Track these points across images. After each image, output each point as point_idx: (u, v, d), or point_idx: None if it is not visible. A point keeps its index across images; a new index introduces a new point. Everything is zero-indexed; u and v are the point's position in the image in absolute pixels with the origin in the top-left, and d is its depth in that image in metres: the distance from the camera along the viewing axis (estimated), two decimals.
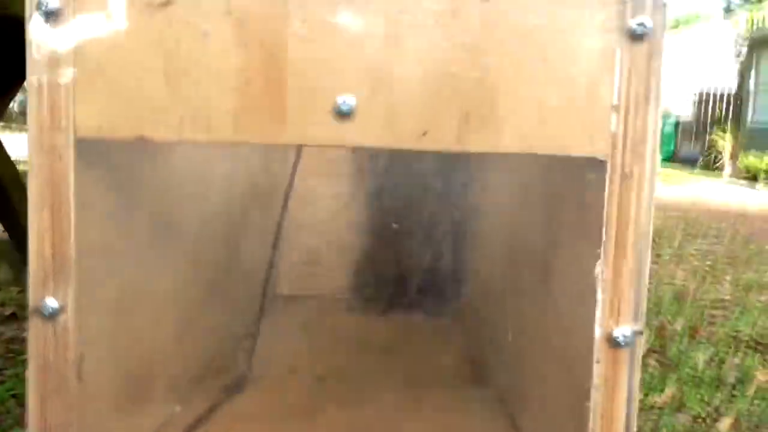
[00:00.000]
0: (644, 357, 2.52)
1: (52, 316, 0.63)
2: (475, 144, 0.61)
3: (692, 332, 2.81)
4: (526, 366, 0.87)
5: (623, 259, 0.62)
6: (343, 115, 0.61)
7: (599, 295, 0.62)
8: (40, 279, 0.63)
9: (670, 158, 13.34)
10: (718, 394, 2.22)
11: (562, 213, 0.71)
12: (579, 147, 0.61)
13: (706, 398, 2.19)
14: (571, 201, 0.68)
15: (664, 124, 13.17)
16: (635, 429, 0.65)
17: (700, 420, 2.04)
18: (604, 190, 0.61)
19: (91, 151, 0.63)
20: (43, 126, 0.60)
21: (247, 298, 1.22)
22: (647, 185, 0.61)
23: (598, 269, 0.62)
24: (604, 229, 0.62)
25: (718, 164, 12.09)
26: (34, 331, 0.64)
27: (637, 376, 0.63)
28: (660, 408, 2.11)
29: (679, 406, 2.13)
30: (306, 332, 1.41)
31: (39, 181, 0.61)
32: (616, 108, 0.61)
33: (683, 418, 2.05)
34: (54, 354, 0.64)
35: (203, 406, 0.94)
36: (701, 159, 12.86)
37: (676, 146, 13.59)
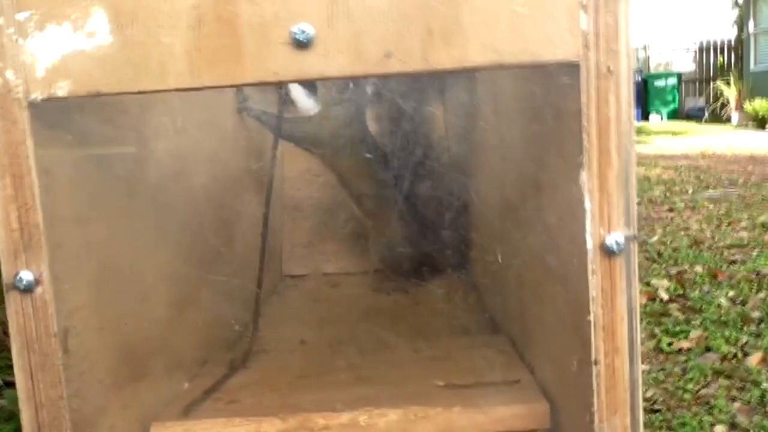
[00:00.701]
0: (666, 304, 2.49)
1: (28, 289, 0.61)
2: (442, 61, 0.59)
3: (712, 276, 2.78)
4: (527, 295, 0.84)
5: (608, 163, 0.59)
6: (301, 45, 0.58)
7: (587, 204, 0.59)
8: (11, 252, 0.61)
9: (675, 114, 13.16)
10: (744, 332, 2.19)
11: (541, 124, 0.69)
12: (550, 52, 0.59)
13: (732, 337, 2.16)
14: (548, 110, 0.65)
15: (666, 81, 12.98)
16: (640, 343, 0.62)
17: (728, 359, 2.01)
18: (580, 93, 0.59)
19: (48, 113, 0.61)
20: None
21: (245, 277, 1.20)
22: (625, 83, 0.58)
23: (582, 177, 0.59)
24: (584, 135, 0.59)
25: (724, 114, 11.92)
26: (13, 307, 0.62)
27: (636, 285, 0.61)
28: (688, 350, 2.09)
29: (706, 348, 2.10)
30: (314, 307, 1.40)
31: None
32: (584, 6, 0.58)
33: (712, 358, 2.02)
34: (36, 328, 0.62)
35: (209, 381, 0.93)
36: (707, 110, 12.69)
37: (680, 101, 13.40)
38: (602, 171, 0.59)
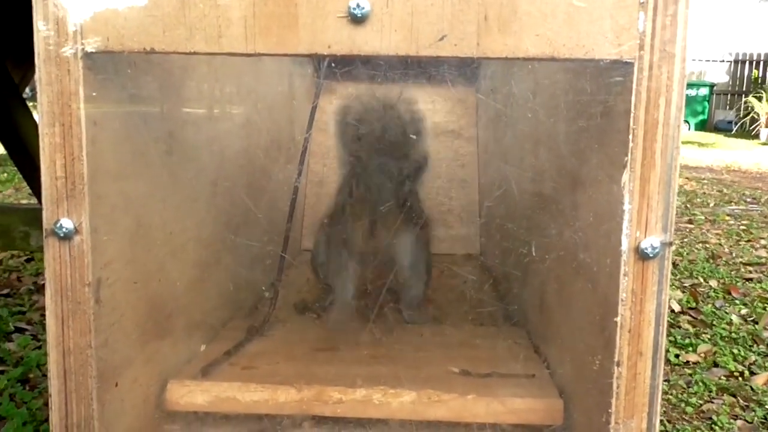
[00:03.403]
0: (678, 315, 2.48)
1: (67, 236, 0.62)
2: (496, 48, 0.59)
3: (726, 291, 2.76)
4: (552, 290, 0.84)
5: (651, 166, 0.59)
6: (357, 20, 0.58)
7: (626, 206, 0.59)
8: (53, 199, 0.62)
9: (704, 125, 12.99)
10: (754, 351, 2.18)
11: (588, 120, 0.69)
12: (604, 49, 0.58)
13: (741, 355, 2.15)
14: (597, 107, 0.65)
15: (697, 90, 12.80)
16: (664, 348, 0.62)
17: (735, 376, 2.00)
18: (631, 93, 0.58)
19: (101, 66, 0.61)
20: (49, 39, 0.59)
21: (270, 249, 1.21)
22: (677, 87, 0.58)
23: (624, 177, 0.59)
24: (630, 135, 0.59)
25: (754, 129, 11.75)
26: (51, 253, 0.63)
27: (667, 291, 0.61)
28: (694, 364, 2.08)
29: (713, 363, 2.09)
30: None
31: (48, 96, 0.60)
32: (643, 5, 0.57)
33: (718, 374, 2.01)
34: (71, 276, 0.64)
35: (227, 345, 0.94)
36: (736, 123, 12.52)
37: (709, 113, 13.21)
38: (645, 173, 0.59)
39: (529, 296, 0.96)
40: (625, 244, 0.60)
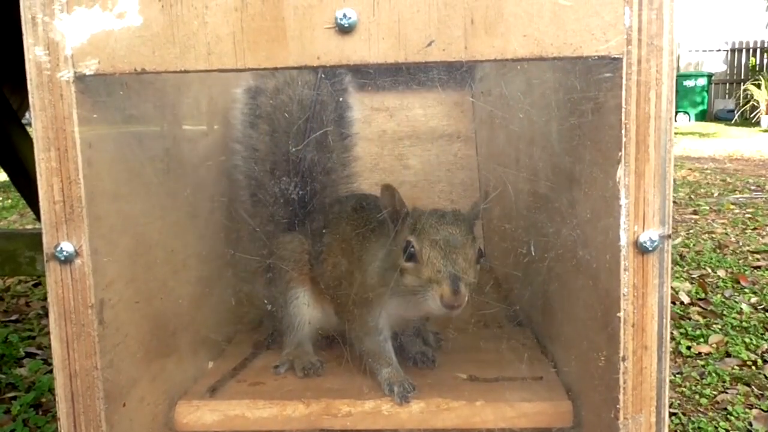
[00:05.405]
0: (687, 307, 2.47)
1: (68, 260, 0.63)
2: (483, 51, 0.59)
3: (735, 280, 2.75)
4: (554, 288, 0.84)
5: (645, 160, 0.59)
6: (344, 30, 0.59)
7: (623, 200, 0.59)
8: (52, 223, 0.62)
9: (704, 115, 12.95)
10: (766, 339, 2.17)
11: (580, 117, 0.69)
12: (592, 46, 0.58)
13: (753, 344, 2.14)
14: (588, 103, 0.65)
15: (695, 81, 12.76)
16: (669, 342, 0.62)
17: (747, 365, 2.00)
18: (621, 89, 0.58)
19: (94, 89, 0.62)
20: (40, 64, 0.59)
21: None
22: (666, 80, 0.58)
23: (619, 173, 0.59)
24: (623, 130, 0.59)
25: (754, 117, 11.72)
26: (53, 277, 0.63)
27: (668, 284, 0.61)
28: (706, 355, 2.07)
29: (725, 353, 2.08)
30: None
31: (42, 122, 0.60)
32: (628, 0, 0.58)
33: (731, 364, 2.00)
34: (74, 299, 0.64)
35: (234, 361, 0.94)
36: (736, 113, 12.47)
37: (709, 102, 13.17)
38: (639, 167, 0.59)
39: (533, 296, 0.96)
40: (624, 239, 0.60)
